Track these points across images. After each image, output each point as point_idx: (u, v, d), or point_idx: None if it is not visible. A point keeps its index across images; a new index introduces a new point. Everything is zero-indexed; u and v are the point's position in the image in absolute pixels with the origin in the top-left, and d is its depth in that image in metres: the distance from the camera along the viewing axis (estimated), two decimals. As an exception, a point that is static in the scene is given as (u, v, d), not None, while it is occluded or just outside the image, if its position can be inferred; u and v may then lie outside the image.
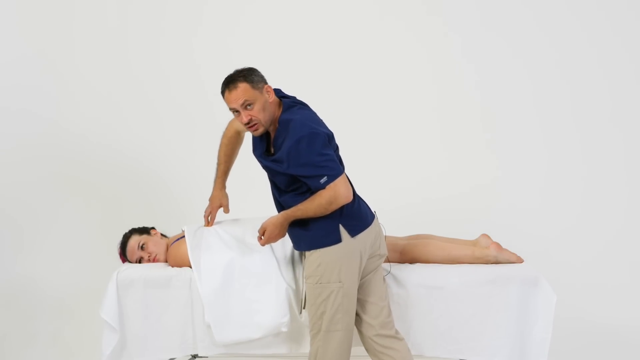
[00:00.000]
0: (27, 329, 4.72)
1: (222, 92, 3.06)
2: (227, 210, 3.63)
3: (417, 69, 4.99)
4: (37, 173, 4.89)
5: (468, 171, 4.95)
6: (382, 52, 4.98)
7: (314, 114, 3.14)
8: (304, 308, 3.31)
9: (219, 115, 4.91)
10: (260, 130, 3.07)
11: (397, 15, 4.97)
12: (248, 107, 3.02)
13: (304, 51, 4.89)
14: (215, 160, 3.62)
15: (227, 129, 3.56)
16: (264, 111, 3.04)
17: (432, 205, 4.93)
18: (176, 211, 4.81)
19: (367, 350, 3.26)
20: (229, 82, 3.03)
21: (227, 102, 3.05)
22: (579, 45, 4.94)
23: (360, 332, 3.25)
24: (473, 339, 3.36)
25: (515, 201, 4.93)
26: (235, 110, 3.05)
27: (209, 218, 3.61)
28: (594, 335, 4.60)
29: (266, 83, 3.07)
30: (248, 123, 3.04)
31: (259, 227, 3.42)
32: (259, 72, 3.08)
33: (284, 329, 3.34)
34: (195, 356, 3.65)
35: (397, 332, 3.23)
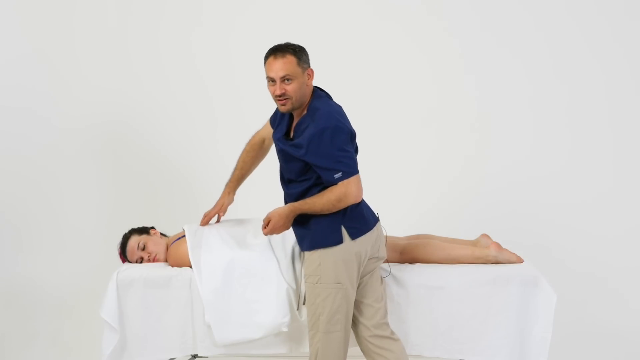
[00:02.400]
0: (27, 329, 4.72)
1: (266, 57, 3.03)
2: (223, 212, 3.62)
3: (415, 70, 4.97)
4: (36, 172, 4.88)
5: (468, 170, 4.94)
6: (380, 53, 4.97)
7: (342, 109, 3.13)
8: (303, 304, 3.31)
9: (220, 114, 4.96)
10: (288, 107, 3.05)
11: (394, 16, 4.97)
12: (287, 81, 3.00)
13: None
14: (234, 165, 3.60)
15: (252, 136, 3.55)
16: (299, 91, 3.02)
17: (431, 205, 4.93)
18: (177, 211, 4.81)
19: (362, 351, 3.27)
20: (277, 50, 3.01)
21: (268, 70, 3.02)
22: (575, 45, 4.93)
23: (355, 333, 3.25)
24: (473, 339, 3.36)
25: (515, 200, 4.92)
26: (271, 80, 3.02)
27: (205, 218, 3.60)
28: (594, 335, 4.61)
29: (310, 66, 3.06)
30: (280, 96, 3.02)
31: (260, 227, 3.43)
32: (307, 53, 3.07)
33: (285, 329, 3.34)
34: (195, 356, 3.65)
35: (392, 332, 3.23)
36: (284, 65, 2.99)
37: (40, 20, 4.89)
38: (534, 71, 4.94)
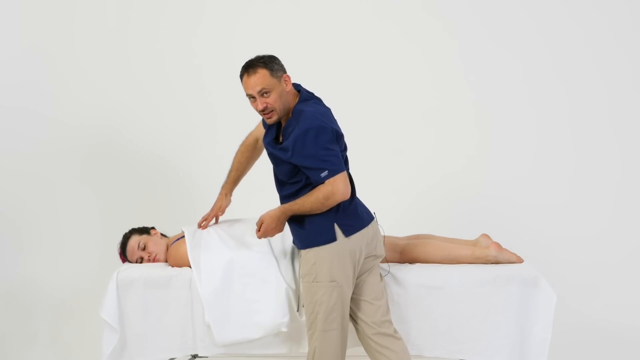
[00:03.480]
0: (27, 329, 4.72)
1: (241, 76, 3.08)
2: (222, 212, 3.63)
3: (415, 70, 4.97)
4: (36, 172, 4.88)
5: (468, 170, 4.94)
6: (379, 53, 4.97)
7: (329, 110, 3.15)
8: (302, 306, 3.31)
9: (220, 114, 4.96)
10: (274, 118, 3.09)
11: (393, 15, 4.96)
12: (265, 94, 3.04)
13: (302, 52, 4.88)
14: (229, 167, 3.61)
15: (246, 137, 3.57)
16: (280, 100, 3.06)
17: (431, 205, 4.93)
18: (177, 211, 4.81)
19: (365, 349, 3.27)
20: (249, 67, 3.05)
21: (245, 87, 3.07)
22: (576, 44, 4.93)
23: (357, 331, 3.26)
24: (473, 339, 3.36)
25: (515, 200, 4.92)
26: (251, 97, 3.06)
27: (203, 223, 3.59)
28: (594, 335, 4.60)
29: (285, 72, 3.09)
30: (263, 110, 3.06)
31: (258, 226, 3.42)
32: (279, 60, 3.10)
33: (284, 329, 3.34)
34: (195, 356, 3.65)
35: (395, 331, 3.23)
36: (257, 79, 3.02)
37: (40, 19, 4.89)
38: (534, 71, 4.94)
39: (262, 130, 3.40)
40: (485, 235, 3.62)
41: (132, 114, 4.96)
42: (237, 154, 3.58)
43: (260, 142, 3.51)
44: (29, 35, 4.89)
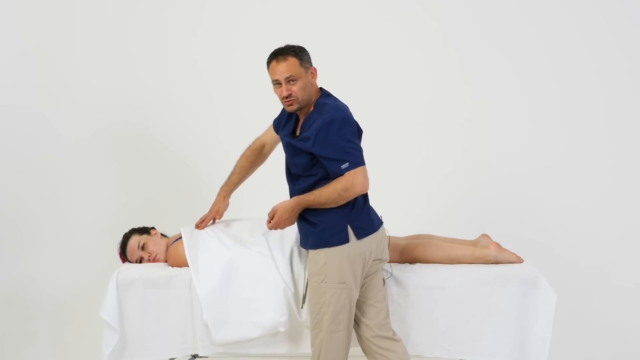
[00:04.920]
0: (27, 329, 4.72)
1: (269, 62, 3.10)
2: (219, 216, 3.63)
3: (412, 70, 4.97)
4: (37, 172, 4.88)
5: (469, 170, 4.94)
6: (376, 53, 4.97)
7: (349, 108, 3.17)
8: (303, 303, 3.30)
9: (221, 114, 4.96)
10: (295, 107, 3.10)
11: (390, 16, 4.96)
12: (291, 82, 3.06)
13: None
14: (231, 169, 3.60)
15: (253, 141, 3.57)
16: (304, 90, 3.08)
17: (431, 205, 4.93)
18: (178, 212, 4.80)
19: (364, 351, 3.27)
20: (279, 54, 3.08)
21: (272, 73, 3.09)
22: (572, 46, 4.92)
23: (357, 333, 3.26)
24: (473, 339, 3.36)
25: (515, 200, 4.92)
26: (277, 82, 3.08)
27: (201, 225, 3.58)
28: (595, 334, 4.61)
29: (312, 65, 3.12)
30: (287, 97, 3.07)
31: (255, 226, 3.42)
32: (308, 52, 3.13)
33: (282, 329, 3.34)
34: (195, 356, 3.65)
35: (394, 333, 3.24)
36: (287, 67, 3.05)
37: (40, 19, 4.88)
38: (532, 71, 4.93)
39: (271, 135, 3.44)
40: (485, 235, 3.63)
41: (132, 115, 4.96)
42: (241, 157, 3.57)
43: (267, 148, 3.53)
44: (29, 35, 4.88)
